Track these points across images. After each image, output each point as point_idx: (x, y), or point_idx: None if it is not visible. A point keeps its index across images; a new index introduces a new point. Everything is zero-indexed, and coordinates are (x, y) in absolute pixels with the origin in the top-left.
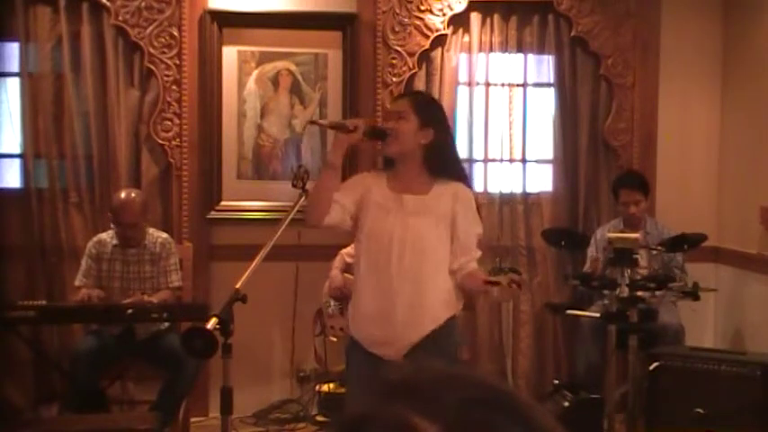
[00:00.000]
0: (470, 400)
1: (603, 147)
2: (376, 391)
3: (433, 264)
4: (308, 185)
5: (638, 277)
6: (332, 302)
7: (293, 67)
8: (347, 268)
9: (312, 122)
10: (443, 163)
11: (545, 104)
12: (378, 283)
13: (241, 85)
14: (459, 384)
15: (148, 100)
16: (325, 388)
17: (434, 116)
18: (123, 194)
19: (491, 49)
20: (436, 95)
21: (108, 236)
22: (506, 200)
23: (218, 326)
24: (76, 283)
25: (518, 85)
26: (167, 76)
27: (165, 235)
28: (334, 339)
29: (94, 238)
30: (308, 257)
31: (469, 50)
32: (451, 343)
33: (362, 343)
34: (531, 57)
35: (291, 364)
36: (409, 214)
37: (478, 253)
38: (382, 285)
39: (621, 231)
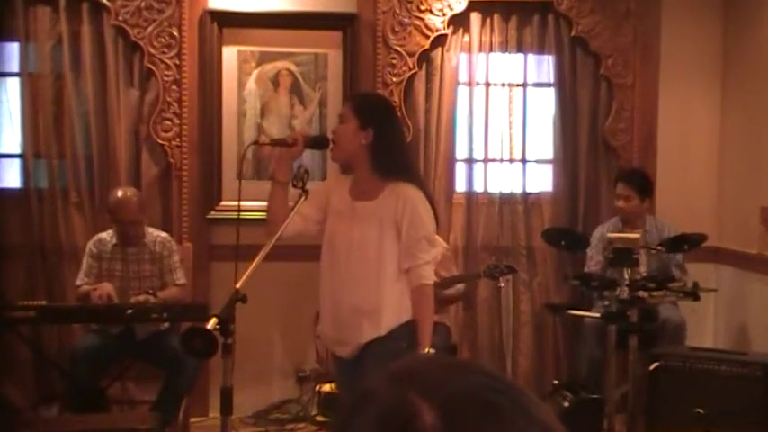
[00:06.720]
0: (472, 387)
1: (603, 147)
2: (385, 373)
3: (377, 269)
4: (308, 185)
5: (638, 277)
6: None
7: (293, 67)
8: None
9: (254, 143)
10: (389, 164)
11: (545, 104)
12: (331, 287)
13: (241, 85)
14: (464, 373)
15: (148, 100)
16: (325, 388)
17: (375, 116)
18: (120, 193)
19: (491, 49)
20: (436, 95)
21: (108, 235)
22: (506, 200)
23: (218, 326)
24: (77, 282)
25: (518, 85)
26: (167, 76)
27: (164, 234)
28: None
29: (94, 237)
30: (307, 257)
31: (469, 50)
32: (401, 348)
33: (324, 342)
34: (531, 57)
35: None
36: (357, 221)
37: (432, 254)
38: (335, 289)
39: (621, 231)
